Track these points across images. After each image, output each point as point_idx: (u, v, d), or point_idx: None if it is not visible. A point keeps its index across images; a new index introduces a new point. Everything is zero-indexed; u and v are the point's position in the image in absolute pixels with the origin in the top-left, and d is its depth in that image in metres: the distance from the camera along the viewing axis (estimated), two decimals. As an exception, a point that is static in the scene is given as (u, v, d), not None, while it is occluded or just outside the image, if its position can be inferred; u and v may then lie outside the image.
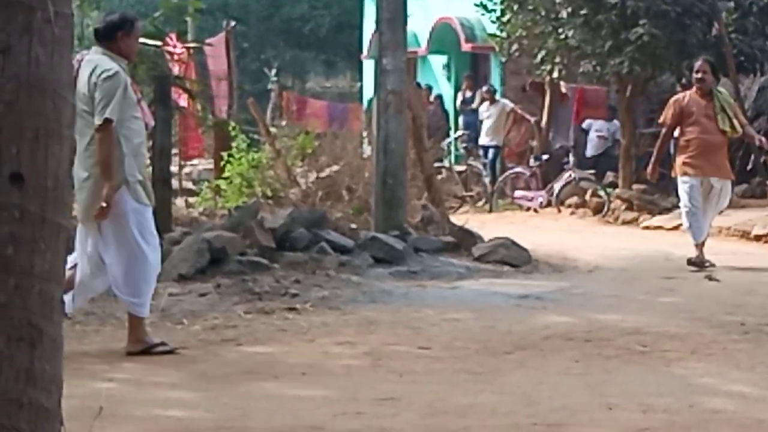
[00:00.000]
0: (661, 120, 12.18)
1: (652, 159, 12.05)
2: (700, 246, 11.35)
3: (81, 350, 6.76)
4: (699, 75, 11.46)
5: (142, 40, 11.73)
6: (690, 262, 11.23)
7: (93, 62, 6.90)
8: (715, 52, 15.75)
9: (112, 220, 6.82)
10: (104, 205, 6.68)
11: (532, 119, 20.89)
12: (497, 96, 20.72)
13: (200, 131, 17.42)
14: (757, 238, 13.96)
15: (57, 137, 2.81)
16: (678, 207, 16.07)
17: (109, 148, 6.75)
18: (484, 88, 21.15)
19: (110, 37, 6.96)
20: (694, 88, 11.63)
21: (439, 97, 23.18)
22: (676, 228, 14.98)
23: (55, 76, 2.81)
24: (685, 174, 11.42)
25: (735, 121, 11.44)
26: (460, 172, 20.76)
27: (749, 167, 11.38)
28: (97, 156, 6.76)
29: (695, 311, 8.69)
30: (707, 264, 11.16)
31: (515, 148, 21.39)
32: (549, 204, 18.77)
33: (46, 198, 2.78)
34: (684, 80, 17.67)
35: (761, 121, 17.95)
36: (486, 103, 20.66)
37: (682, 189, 11.54)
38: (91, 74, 6.82)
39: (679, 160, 11.53)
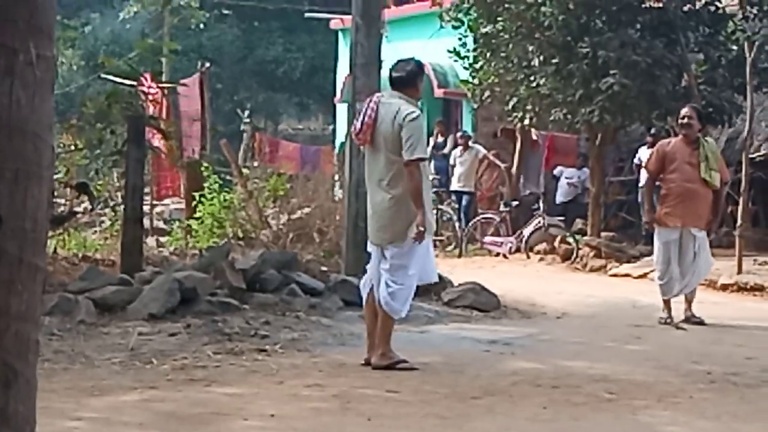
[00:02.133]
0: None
1: (645, 208, 11.63)
2: (668, 303, 11.02)
3: (49, 388, 6.72)
4: (684, 120, 10.97)
5: (116, 79, 11.79)
6: (660, 321, 10.92)
7: (394, 105, 7.91)
8: (684, 102, 15.90)
9: (400, 249, 7.91)
10: (421, 229, 7.74)
11: (503, 165, 21.02)
12: (471, 142, 20.83)
13: (175, 170, 17.44)
14: (724, 287, 14.08)
15: (37, 179, 2.83)
16: (646, 255, 16.23)
17: (420, 181, 7.83)
18: (459, 134, 21.27)
19: (411, 84, 8.07)
20: (680, 135, 11.15)
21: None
22: (643, 276, 15.09)
23: (36, 118, 2.83)
24: (664, 225, 10.97)
25: (715, 174, 10.90)
26: (430, 217, 20.78)
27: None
28: (409, 188, 7.82)
29: (662, 360, 8.74)
30: (674, 323, 10.87)
31: (486, 192, 21.51)
32: (518, 250, 18.86)
33: (24, 239, 2.79)
34: (653, 130, 17.88)
35: (729, 172, 18.11)
36: (459, 149, 20.76)
37: (658, 242, 11.12)
38: (395, 117, 7.82)
39: (660, 210, 11.08)
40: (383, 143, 7.91)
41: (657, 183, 11.30)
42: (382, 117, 7.91)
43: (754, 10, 17.37)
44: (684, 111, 11.21)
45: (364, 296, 8.29)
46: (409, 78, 8.07)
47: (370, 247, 8.29)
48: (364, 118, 7.98)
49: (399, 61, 8.23)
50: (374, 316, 8.10)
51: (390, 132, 7.86)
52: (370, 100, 8.12)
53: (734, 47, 17.38)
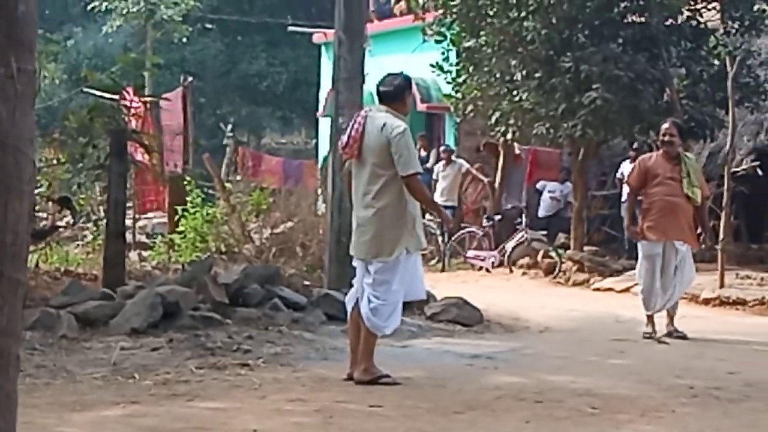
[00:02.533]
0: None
1: (626, 223, 11.58)
2: (651, 318, 11.07)
3: (31, 403, 6.70)
4: (666, 138, 11.00)
5: (98, 93, 11.77)
6: (644, 336, 10.98)
7: (381, 119, 7.92)
8: (666, 117, 15.97)
9: (385, 264, 7.89)
10: (451, 224, 7.52)
11: (486, 179, 21.05)
12: (453, 157, 20.84)
13: (158, 184, 17.44)
14: (706, 301, 14.12)
15: (17, 193, 2.82)
16: (629, 269, 16.27)
17: (424, 191, 8.12)
18: (442, 148, 21.28)
19: (399, 98, 8.05)
20: (661, 151, 11.17)
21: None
22: (626, 290, 15.13)
23: (16, 132, 2.82)
24: (648, 239, 10.97)
25: (696, 190, 10.97)
26: (413, 231, 20.76)
27: (698, 231, 11.33)
28: (419, 200, 7.97)
29: (645, 374, 8.76)
30: (657, 337, 10.92)
31: (471, 205, 21.53)
32: (501, 264, 18.88)
33: (4, 254, 2.78)
34: (635, 144, 17.94)
35: (711, 186, 18.19)
36: (442, 163, 20.77)
37: (642, 256, 11.12)
38: (380, 131, 7.83)
39: (642, 223, 11.06)
40: (370, 157, 7.90)
41: (639, 198, 11.33)
42: (369, 131, 7.91)
43: (736, 25, 17.49)
44: (665, 128, 11.21)
45: (349, 311, 8.27)
46: (397, 92, 8.06)
47: (355, 262, 8.26)
48: (351, 131, 7.97)
49: (387, 76, 8.22)
50: (358, 332, 8.08)
51: (377, 145, 7.85)
52: (358, 115, 8.13)
53: (716, 62, 17.47)
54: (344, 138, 8.07)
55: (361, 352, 7.99)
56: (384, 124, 7.85)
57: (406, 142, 7.84)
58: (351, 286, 11.28)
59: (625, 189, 15.21)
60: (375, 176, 7.90)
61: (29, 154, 2.87)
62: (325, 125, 23.90)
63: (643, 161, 11.34)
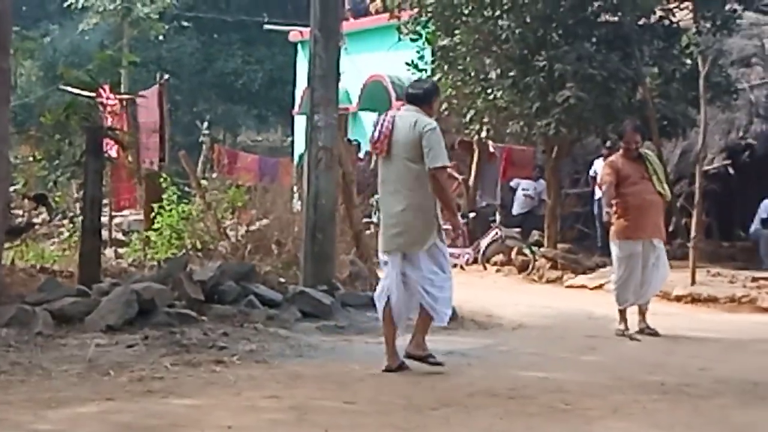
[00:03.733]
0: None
1: (605, 207, 11.26)
2: (623, 314, 11.08)
3: (5, 400, 6.72)
4: (633, 146, 11.06)
5: (75, 90, 11.78)
6: (617, 333, 11.00)
7: (411, 117, 8.32)
8: (639, 116, 16.11)
9: (429, 251, 8.28)
10: (460, 232, 8.42)
11: (460, 177, 21.11)
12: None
13: (133, 182, 17.39)
14: (678, 298, 14.23)
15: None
16: (601, 267, 16.37)
17: (447, 187, 8.43)
18: (417, 146, 21.29)
19: (427, 101, 8.47)
20: (621, 151, 11.23)
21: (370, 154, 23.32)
22: (599, 287, 15.22)
23: (-7, 131, 2.86)
24: (627, 238, 10.98)
25: (666, 186, 11.23)
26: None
27: (671, 229, 11.44)
28: (439, 196, 8.27)
29: (617, 370, 8.82)
30: (629, 334, 10.96)
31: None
32: (475, 261, 18.93)
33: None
34: (609, 143, 18.03)
35: (683, 184, 18.33)
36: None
37: (620, 255, 11.05)
38: (413, 127, 8.22)
39: (619, 223, 11.03)
40: (401, 152, 8.27)
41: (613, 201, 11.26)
42: (398, 128, 8.30)
43: (708, 24, 17.59)
44: (628, 134, 11.20)
45: (380, 308, 8.49)
46: (426, 95, 8.51)
47: (385, 257, 8.48)
48: (381, 128, 8.35)
49: (416, 80, 8.81)
50: (393, 325, 8.39)
51: (409, 140, 8.24)
52: (386, 114, 8.52)
53: (688, 61, 17.57)
54: (375, 134, 8.40)
55: (419, 329, 8.37)
56: (416, 121, 8.27)
57: (438, 137, 8.24)
58: (327, 282, 11.41)
59: (598, 189, 15.26)
60: (405, 171, 8.26)
61: (4, 152, 2.92)
62: (300, 123, 23.93)
63: (613, 163, 11.26)
